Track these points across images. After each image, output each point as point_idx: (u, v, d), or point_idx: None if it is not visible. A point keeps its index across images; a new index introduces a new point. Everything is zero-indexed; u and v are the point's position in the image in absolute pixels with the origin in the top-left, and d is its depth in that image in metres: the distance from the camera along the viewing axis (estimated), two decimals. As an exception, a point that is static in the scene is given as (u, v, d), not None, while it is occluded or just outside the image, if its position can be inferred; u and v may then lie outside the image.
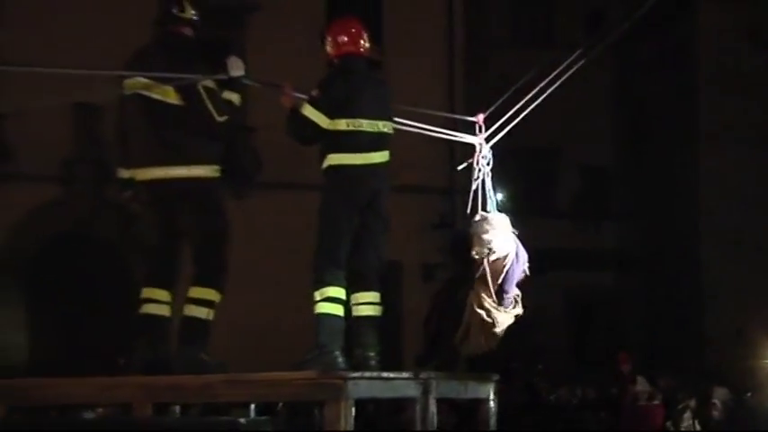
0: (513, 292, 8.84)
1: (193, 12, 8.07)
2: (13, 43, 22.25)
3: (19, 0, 23.24)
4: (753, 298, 26.86)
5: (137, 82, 7.85)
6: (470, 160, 9.12)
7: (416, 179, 22.54)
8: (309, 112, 7.92)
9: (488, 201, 8.92)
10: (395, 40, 22.77)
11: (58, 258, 23.68)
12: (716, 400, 17.68)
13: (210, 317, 7.86)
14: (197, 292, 7.84)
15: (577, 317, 30.88)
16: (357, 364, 7.76)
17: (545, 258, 29.76)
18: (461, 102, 25.65)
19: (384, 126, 8.08)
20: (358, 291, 7.98)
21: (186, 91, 7.77)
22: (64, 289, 23.32)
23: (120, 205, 8.42)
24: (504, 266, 8.70)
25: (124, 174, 8.09)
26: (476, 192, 8.90)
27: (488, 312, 8.68)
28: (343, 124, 7.93)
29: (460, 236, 9.02)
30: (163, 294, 7.88)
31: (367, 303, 7.99)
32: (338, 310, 7.85)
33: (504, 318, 8.82)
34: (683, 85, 29.66)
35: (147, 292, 7.91)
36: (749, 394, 20.76)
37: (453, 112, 25.92)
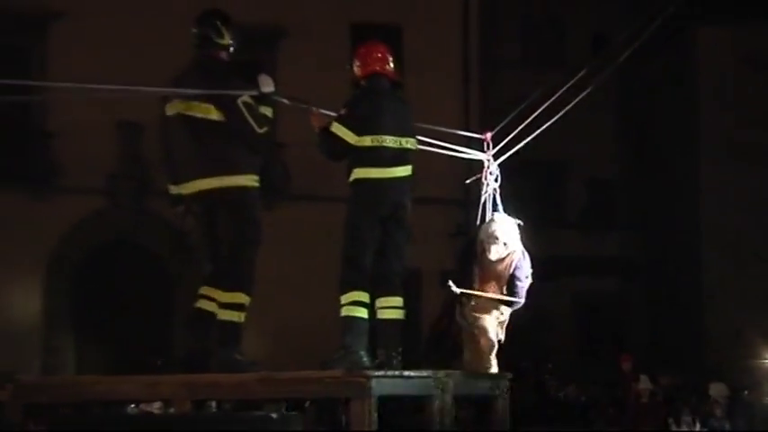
0: (527, 282, 8.86)
1: (230, 37, 8.11)
2: (63, 66, 22.38)
3: (67, 27, 23.36)
4: (750, 301, 26.77)
5: (178, 103, 7.90)
6: (479, 175, 9.09)
7: (436, 191, 22.54)
8: (338, 129, 7.96)
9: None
10: (414, 63, 22.80)
11: (102, 265, 23.77)
12: (717, 398, 17.57)
13: (242, 319, 7.87)
14: (228, 296, 7.85)
15: (584, 319, 30.81)
16: (380, 363, 7.77)
17: (554, 265, 29.89)
18: (476, 119, 25.64)
19: (406, 142, 8.08)
20: (382, 295, 7.98)
21: (227, 107, 7.82)
22: (108, 293, 23.41)
23: (163, 217, 8.41)
24: (513, 260, 8.74)
25: (173, 190, 8.12)
26: (484, 205, 8.90)
27: (475, 320, 8.67)
28: (368, 140, 7.95)
29: (465, 246, 9.03)
30: (216, 294, 7.90)
31: (391, 307, 7.99)
32: (363, 312, 7.85)
33: (491, 323, 8.72)
34: (684, 104, 29.60)
35: (206, 290, 7.93)
36: (746, 392, 20.67)
37: (468, 129, 25.95)
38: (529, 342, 29.09)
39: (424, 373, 7.73)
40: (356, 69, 8.27)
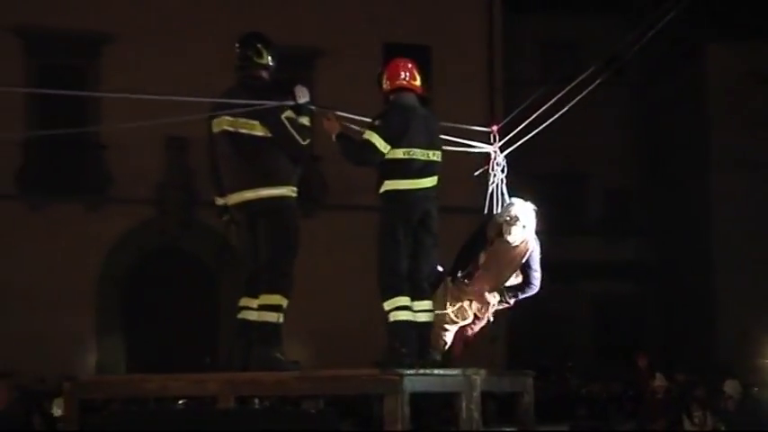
0: (538, 274, 8.66)
1: (269, 58, 8.12)
2: (115, 85, 22.51)
3: (120, 48, 23.49)
4: (758, 303, 26.62)
5: (223, 120, 7.92)
6: (486, 167, 8.96)
7: (460, 200, 22.54)
8: (371, 136, 7.88)
9: (504, 203, 8.71)
10: (442, 80, 22.80)
11: (151, 271, 23.87)
12: (731, 394, 17.44)
13: (281, 320, 7.86)
14: (267, 298, 7.84)
15: (602, 320, 30.72)
16: (415, 362, 7.75)
17: (574, 270, 29.90)
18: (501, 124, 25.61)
19: (433, 155, 8.04)
20: (414, 299, 7.94)
21: (271, 123, 7.82)
22: (156, 297, 23.50)
23: (208, 225, 8.41)
24: (528, 248, 8.56)
25: (219, 201, 8.15)
26: (492, 195, 8.71)
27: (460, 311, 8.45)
28: (400, 153, 7.91)
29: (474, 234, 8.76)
30: (254, 302, 7.91)
31: (423, 311, 7.96)
32: (407, 316, 7.82)
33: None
34: (696, 118, 29.51)
35: (245, 302, 7.95)
36: (756, 389, 20.52)
37: (495, 138, 25.96)
38: (550, 342, 29.10)
39: (454, 371, 7.71)
40: (385, 84, 8.22)
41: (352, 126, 8.25)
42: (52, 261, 22.59)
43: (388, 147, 7.89)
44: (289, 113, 7.87)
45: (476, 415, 7.60)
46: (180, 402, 9.09)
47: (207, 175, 8.22)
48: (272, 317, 7.80)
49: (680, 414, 17.76)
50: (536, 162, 30.16)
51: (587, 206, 31.27)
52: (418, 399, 7.27)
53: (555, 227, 31.41)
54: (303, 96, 7.98)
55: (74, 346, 22.52)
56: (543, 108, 9.16)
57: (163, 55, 23.20)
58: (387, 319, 7.86)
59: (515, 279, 8.64)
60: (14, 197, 23.30)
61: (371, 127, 7.97)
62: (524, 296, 8.70)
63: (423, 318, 7.96)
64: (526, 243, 8.53)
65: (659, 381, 18.35)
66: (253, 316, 7.87)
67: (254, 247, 7.95)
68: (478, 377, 7.72)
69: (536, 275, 8.65)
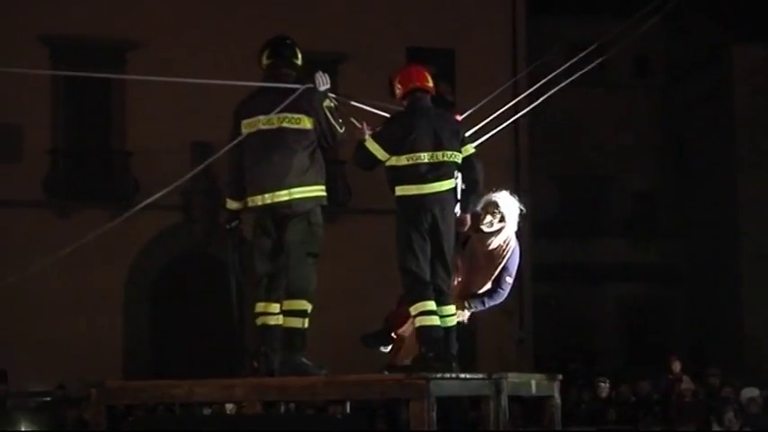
0: (511, 280, 8.31)
1: (297, 59, 8.10)
2: (140, 92, 22.60)
3: (145, 55, 23.57)
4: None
5: (257, 120, 7.88)
6: None
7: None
8: (370, 144, 7.91)
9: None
10: (466, 83, 22.78)
11: (178, 275, 23.94)
12: (754, 397, 17.38)
13: (306, 325, 7.82)
14: (292, 304, 7.82)
15: (629, 323, 30.63)
16: (429, 365, 7.72)
17: (601, 272, 29.82)
18: (525, 137, 25.62)
19: (443, 155, 7.88)
20: (438, 305, 7.88)
21: (318, 112, 7.79)
22: (183, 302, 23.56)
23: (229, 230, 8.34)
24: (508, 249, 8.31)
25: (233, 206, 8.12)
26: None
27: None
28: (403, 160, 7.85)
29: None
30: (273, 307, 7.88)
31: (447, 316, 7.89)
32: (434, 320, 7.75)
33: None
34: (722, 119, 29.38)
35: (263, 307, 7.91)
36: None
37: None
38: (577, 345, 29.00)
39: (480, 375, 7.68)
40: (397, 92, 8.15)
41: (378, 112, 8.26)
42: (80, 267, 22.66)
43: (387, 155, 7.87)
44: (328, 102, 7.87)
45: (502, 419, 7.56)
46: (207, 408, 9.08)
47: (228, 178, 8.17)
48: (297, 322, 7.76)
49: (708, 416, 17.67)
50: (560, 163, 30.18)
51: (613, 208, 31.17)
52: (445, 402, 7.24)
53: (580, 229, 31.28)
54: (324, 83, 7.95)
55: (100, 351, 22.59)
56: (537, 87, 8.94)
57: (188, 61, 23.24)
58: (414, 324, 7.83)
59: (486, 286, 8.34)
60: (42, 204, 23.43)
61: (373, 134, 7.97)
62: (490, 304, 8.36)
63: (447, 323, 7.89)
64: (507, 241, 8.29)
65: (686, 384, 18.27)
66: (273, 321, 7.84)
67: (273, 250, 7.90)
68: (505, 381, 7.69)
69: (507, 281, 8.32)
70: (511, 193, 8.47)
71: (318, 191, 7.85)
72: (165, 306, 23.81)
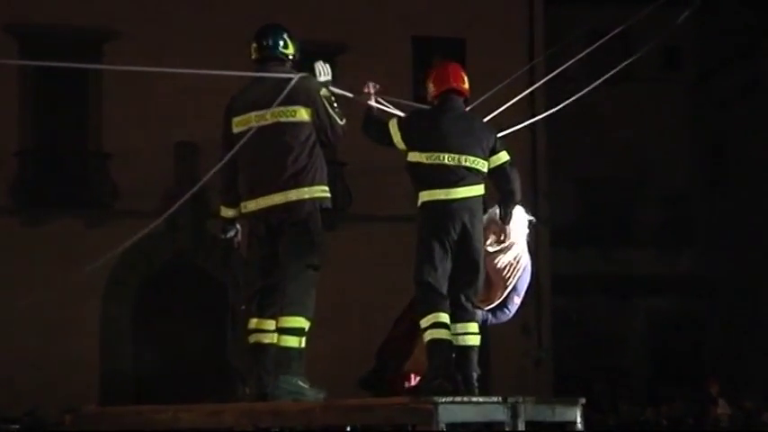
0: (519, 301, 8.42)
1: (293, 48, 8.11)
2: (119, 85, 22.63)
3: (123, 46, 23.61)
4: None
5: (248, 117, 7.88)
6: None
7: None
8: (392, 125, 8.09)
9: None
10: (477, 76, 22.81)
11: (161, 288, 23.96)
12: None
13: (303, 345, 7.82)
14: (288, 321, 7.81)
15: (659, 341, 30.62)
16: (456, 389, 7.73)
17: (627, 284, 29.82)
18: (543, 134, 25.64)
19: (466, 160, 7.98)
20: (457, 321, 7.90)
21: (316, 102, 7.82)
22: (167, 317, 23.57)
23: (218, 239, 8.34)
24: (518, 265, 8.37)
25: (228, 213, 8.12)
26: None
27: None
28: (423, 157, 7.96)
29: None
30: (268, 324, 7.88)
31: (467, 333, 7.93)
32: (445, 334, 7.80)
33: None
34: (759, 118, 29.40)
35: (257, 324, 7.91)
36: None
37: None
38: (601, 365, 29.00)
39: (494, 399, 7.68)
40: (430, 90, 8.26)
41: (389, 109, 8.34)
42: (52, 281, 22.67)
43: (404, 146, 8.01)
44: (325, 92, 7.89)
45: (520, 447, 7.56)
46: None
47: (217, 183, 8.19)
48: (293, 341, 7.75)
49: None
50: (583, 164, 30.20)
51: (640, 213, 31.19)
52: (456, 428, 7.24)
53: (604, 237, 31.32)
54: (324, 74, 7.98)
55: (75, 373, 22.60)
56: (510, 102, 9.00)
57: (172, 53, 23.26)
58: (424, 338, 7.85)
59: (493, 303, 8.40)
60: (10, 211, 23.44)
61: (399, 118, 8.16)
62: (492, 322, 8.48)
63: (468, 341, 7.93)
64: (517, 258, 8.37)
65: (723, 408, 18.29)
66: (268, 339, 7.84)
67: (268, 262, 7.90)
68: (522, 405, 7.69)
69: (515, 301, 8.44)
70: (519, 204, 8.47)
71: (319, 191, 7.84)
72: (146, 322, 23.81)
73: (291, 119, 7.79)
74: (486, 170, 8.06)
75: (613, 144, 30.03)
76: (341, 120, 7.90)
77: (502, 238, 8.32)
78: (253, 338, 7.88)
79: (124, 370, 23.68)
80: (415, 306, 7.98)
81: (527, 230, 8.48)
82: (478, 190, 8.02)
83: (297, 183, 7.74)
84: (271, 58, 8.03)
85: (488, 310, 8.40)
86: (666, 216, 31.25)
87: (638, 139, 30.10)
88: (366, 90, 8.29)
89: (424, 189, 7.97)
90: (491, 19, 25.74)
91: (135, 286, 24.07)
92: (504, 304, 8.42)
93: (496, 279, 8.34)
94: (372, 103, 8.31)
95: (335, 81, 8.18)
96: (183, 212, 23.97)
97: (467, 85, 8.28)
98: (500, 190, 8.16)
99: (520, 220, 8.42)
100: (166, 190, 23.79)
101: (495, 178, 8.13)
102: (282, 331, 7.74)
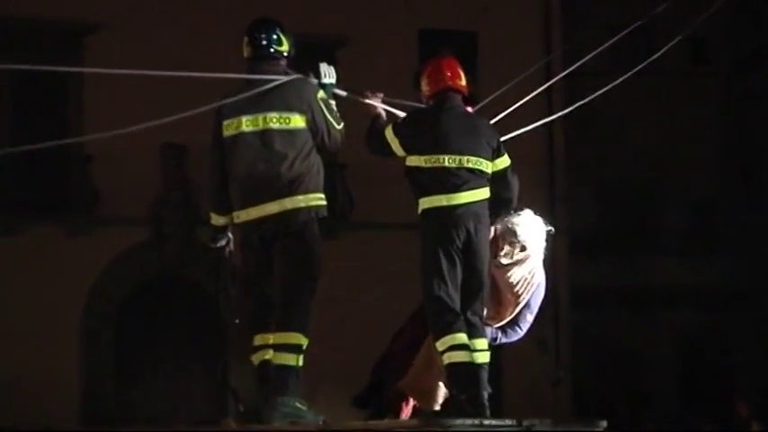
0: (532, 318, 8.43)
1: (289, 46, 8.11)
2: (101, 82, 22.64)
3: (105, 39, 23.62)
4: None
5: (239, 121, 7.88)
6: None
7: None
8: (388, 133, 8.09)
9: None
10: (490, 72, 22.81)
11: (147, 302, 23.93)
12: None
13: (299, 363, 7.82)
14: (284, 337, 7.80)
15: (686, 358, 30.59)
16: (462, 410, 7.72)
17: (651, 297, 29.79)
18: (560, 133, 25.63)
19: (468, 162, 7.97)
20: (468, 338, 7.86)
21: (313, 106, 7.83)
22: (154, 333, 23.55)
23: (209, 248, 8.35)
24: (532, 280, 8.38)
25: (220, 221, 8.13)
26: None
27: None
28: (422, 161, 7.96)
29: None
30: (266, 339, 7.89)
31: (478, 351, 7.91)
32: (465, 356, 7.79)
33: None
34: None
35: (261, 339, 7.92)
36: None
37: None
38: (624, 384, 28.97)
39: (508, 422, 7.67)
40: (425, 89, 8.27)
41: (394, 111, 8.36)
42: (29, 293, 22.68)
43: (404, 152, 8.01)
44: (321, 94, 7.90)
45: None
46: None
47: (208, 189, 8.19)
48: (291, 359, 7.76)
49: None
50: (603, 167, 30.19)
51: (665, 220, 31.17)
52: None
53: (626, 245, 31.28)
54: (329, 76, 7.99)
55: (55, 391, 22.57)
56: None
57: (160, 48, 23.29)
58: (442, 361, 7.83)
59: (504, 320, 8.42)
60: (-17, 219, 23.44)
61: (394, 124, 8.16)
62: (503, 341, 8.51)
63: (478, 359, 7.90)
64: (532, 273, 8.37)
65: (756, 428, 18.29)
66: (269, 356, 7.85)
67: (262, 275, 7.91)
68: (538, 428, 7.68)
69: (528, 319, 8.47)
70: (535, 213, 8.53)
71: (315, 200, 7.87)
72: (131, 337, 23.79)
73: (285, 126, 7.82)
74: (490, 172, 8.05)
75: (636, 144, 30.00)
76: (338, 124, 7.94)
77: (518, 250, 8.30)
78: (256, 357, 7.87)
79: (106, 388, 23.65)
80: (428, 325, 7.96)
81: (545, 243, 8.46)
82: (483, 194, 8.00)
83: (291, 191, 7.76)
84: (264, 56, 8.03)
85: (498, 328, 8.38)
86: (694, 222, 31.20)
87: (662, 138, 30.06)
88: (371, 99, 8.27)
89: (424, 195, 7.96)
90: (504, 10, 25.73)
91: (119, 299, 24.05)
92: (515, 322, 8.44)
93: (508, 294, 8.33)
94: (380, 110, 8.27)
95: (339, 82, 8.19)
96: (170, 220, 23.99)
97: (464, 82, 8.26)
98: (497, 197, 8.14)
99: (538, 231, 8.40)
100: (153, 195, 23.82)
101: (494, 184, 8.11)
102: (279, 348, 7.76)
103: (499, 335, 8.43)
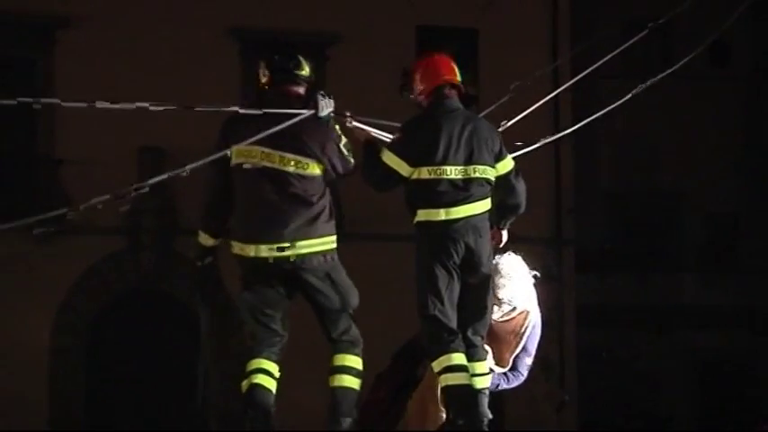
0: (530, 362, 8.59)
1: (309, 69, 8.13)
2: (72, 79, 22.70)
3: (77, 34, 23.67)
4: None
5: (254, 152, 7.89)
6: None
7: (519, 229, 22.56)
8: (389, 158, 7.96)
9: None
10: (492, 72, 22.87)
11: (121, 318, 23.96)
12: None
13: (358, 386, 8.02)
14: (349, 360, 7.98)
15: (706, 382, 30.61)
16: None
17: (669, 316, 29.81)
18: (568, 138, 25.63)
19: (475, 171, 7.93)
20: (467, 361, 7.88)
21: (328, 159, 7.88)
22: (128, 351, 23.57)
23: (190, 261, 8.41)
24: (526, 325, 8.51)
25: (208, 242, 8.18)
26: None
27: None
28: (425, 172, 7.89)
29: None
30: (272, 366, 7.98)
31: (478, 375, 7.93)
32: (463, 378, 7.80)
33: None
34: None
35: (257, 363, 8.00)
36: None
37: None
38: (636, 409, 28.99)
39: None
40: (418, 89, 8.18)
41: (381, 134, 8.29)
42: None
43: (411, 168, 7.90)
44: (336, 133, 7.95)
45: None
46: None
47: (201, 207, 8.23)
48: (354, 383, 7.97)
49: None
50: (613, 177, 30.24)
51: (682, 234, 31.21)
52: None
53: (639, 261, 31.29)
54: (327, 107, 7.98)
55: (20, 415, 22.59)
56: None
57: (138, 43, 23.34)
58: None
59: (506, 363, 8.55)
60: (-54, 225, 23.44)
61: (390, 144, 8.02)
62: (504, 387, 8.61)
63: (478, 384, 7.92)
64: (525, 316, 8.49)
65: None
66: (270, 384, 7.93)
67: (272, 303, 7.99)
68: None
69: (527, 363, 8.57)
70: (516, 254, 8.59)
71: (329, 243, 7.99)
72: (104, 356, 23.82)
73: (302, 171, 7.86)
74: (494, 178, 8.03)
75: (649, 154, 30.05)
76: (351, 162, 7.98)
77: (507, 310, 8.41)
78: (255, 379, 7.93)
79: (76, 411, 23.67)
80: (424, 344, 7.99)
81: (533, 289, 8.56)
82: (484, 206, 7.99)
83: (306, 234, 7.86)
84: (282, 81, 8.04)
85: (501, 374, 8.48)
86: (711, 237, 31.23)
87: (678, 147, 30.10)
88: (357, 127, 8.15)
89: (420, 208, 7.95)
90: (508, 6, 25.78)
91: (90, 314, 24.07)
92: (515, 367, 8.53)
93: (504, 333, 8.43)
94: (371, 133, 8.19)
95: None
96: (147, 230, 24.02)
97: (458, 78, 8.18)
98: (502, 203, 8.14)
99: (522, 283, 8.51)
100: (128, 201, 23.81)
101: (498, 189, 8.09)
102: (344, 370, 7.95)
103: (501, 381, 8.51)
